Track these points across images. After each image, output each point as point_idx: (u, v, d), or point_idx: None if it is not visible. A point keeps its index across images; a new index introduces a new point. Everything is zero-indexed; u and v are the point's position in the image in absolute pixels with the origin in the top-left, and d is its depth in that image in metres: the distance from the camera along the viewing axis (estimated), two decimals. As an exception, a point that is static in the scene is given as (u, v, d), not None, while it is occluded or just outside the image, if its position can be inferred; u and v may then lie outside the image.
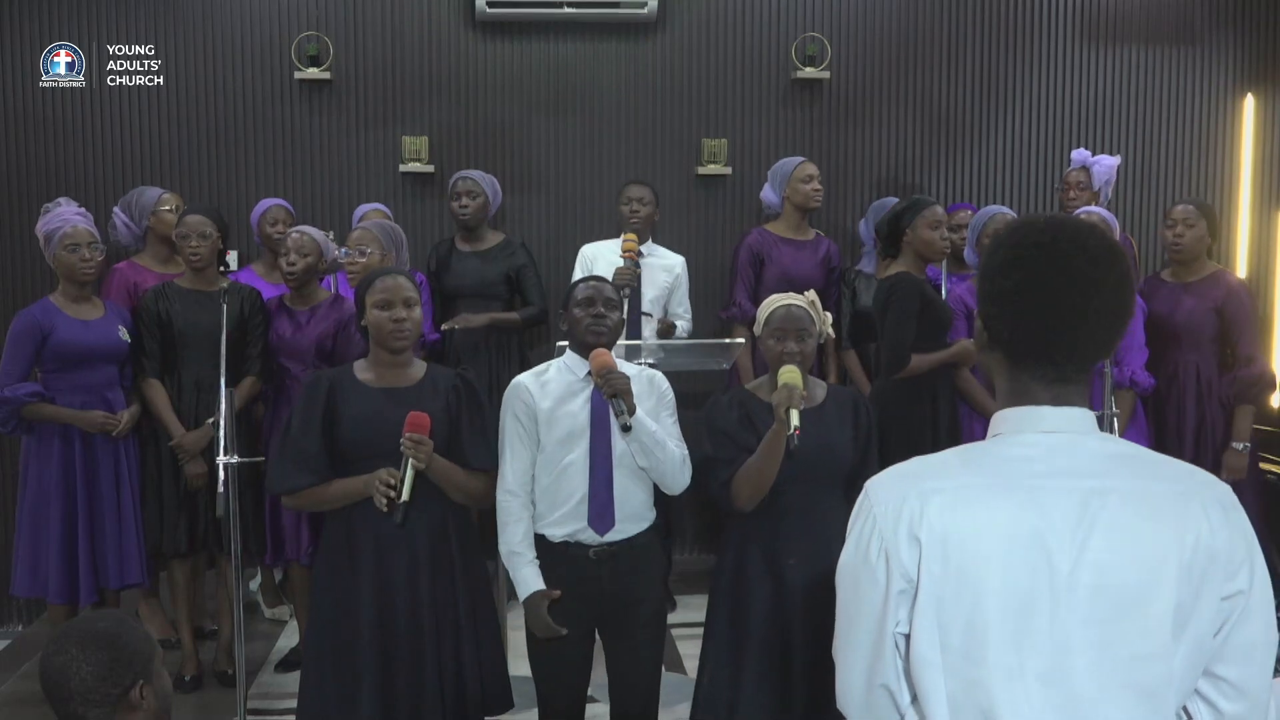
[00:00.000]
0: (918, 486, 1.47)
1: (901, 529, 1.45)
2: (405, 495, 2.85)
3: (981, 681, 1.42)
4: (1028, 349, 1.49)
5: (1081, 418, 1.50)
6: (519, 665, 3.19)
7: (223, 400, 3.46)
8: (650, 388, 3.12)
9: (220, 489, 3.37)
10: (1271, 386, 4.34)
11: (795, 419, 2.80)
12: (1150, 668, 1.43)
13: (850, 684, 1.54)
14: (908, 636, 1.47)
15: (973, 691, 1.42)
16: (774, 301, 3.07)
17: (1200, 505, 1.46)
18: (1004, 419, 1.53)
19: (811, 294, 3.11)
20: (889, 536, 1.46)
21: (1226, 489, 1.51)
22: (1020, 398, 1.51)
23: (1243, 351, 4.27)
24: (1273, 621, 1.48)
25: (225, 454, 3.40)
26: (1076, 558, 1.41)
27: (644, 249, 4.79)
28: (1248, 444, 4.25)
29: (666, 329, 4.75)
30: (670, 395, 3.15)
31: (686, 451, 3.09)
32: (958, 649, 1.43)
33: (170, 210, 4.59)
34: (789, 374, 2.88)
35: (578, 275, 4.84)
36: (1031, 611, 1.41)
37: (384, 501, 2.87)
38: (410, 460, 2.87)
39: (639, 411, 2.97)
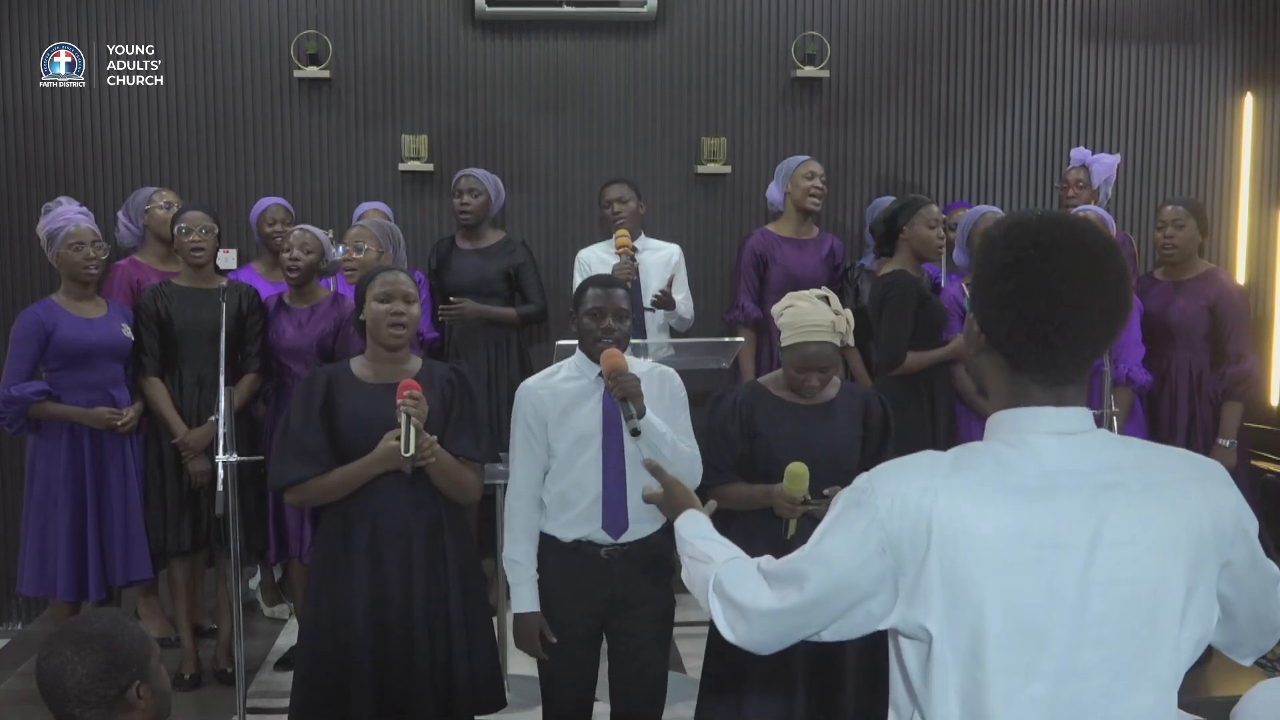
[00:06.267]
0: (925, 483, 1.44)
1: (907, 525, 1.42)
2: (411, 449, 2.85)
3: (986, 681, 1.41)
4: (1030, 352, 1.45)
5: (1081, 417, 1.48)
6: (518, 664, 3.19)
7: (222, 398, 3.47)
8: (662, 386, 3.08)
9: (220, 487, 3.37)
10: (1259, 384, 4.35)
11: (794, 528, 2.93)
12: (1161, 658, 1.44)
13: (771, 613, 1.54)
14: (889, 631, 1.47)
15: (979, 691, 1.41)
16: (796, 326, 3.00)
17: (1200, 489, 1.48)
18: (1003, 421, 1.50)
19: (836, 306, 3.04)
20: (893, 531, 1.43)
21: (1221, 468, 1.54)
22: (1019, 399, 1.48)
23: (1232, 349, 4.29)
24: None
25: (225, 452, 3.41)
26: (1088, 556, 1.41)
27: (637, 244, 4.78)
28: (1234, 440, 4.26)
29: (664, 300, 4.62)
30: (683, 393, 3.12)
31: (698, 450, 3.06)
32: (967, 648, 1.41)
33: (162, 207, 4.59)
34: (796, 481, 2.88)
35: (577, 280, 4.82)
36: (1043, 612, 1.41)
37: (398, 445, 2.88)
38: (411, 417, 2.86)
39: (649, 413, 2.93)
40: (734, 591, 1.59)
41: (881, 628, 1.49)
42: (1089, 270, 1.43)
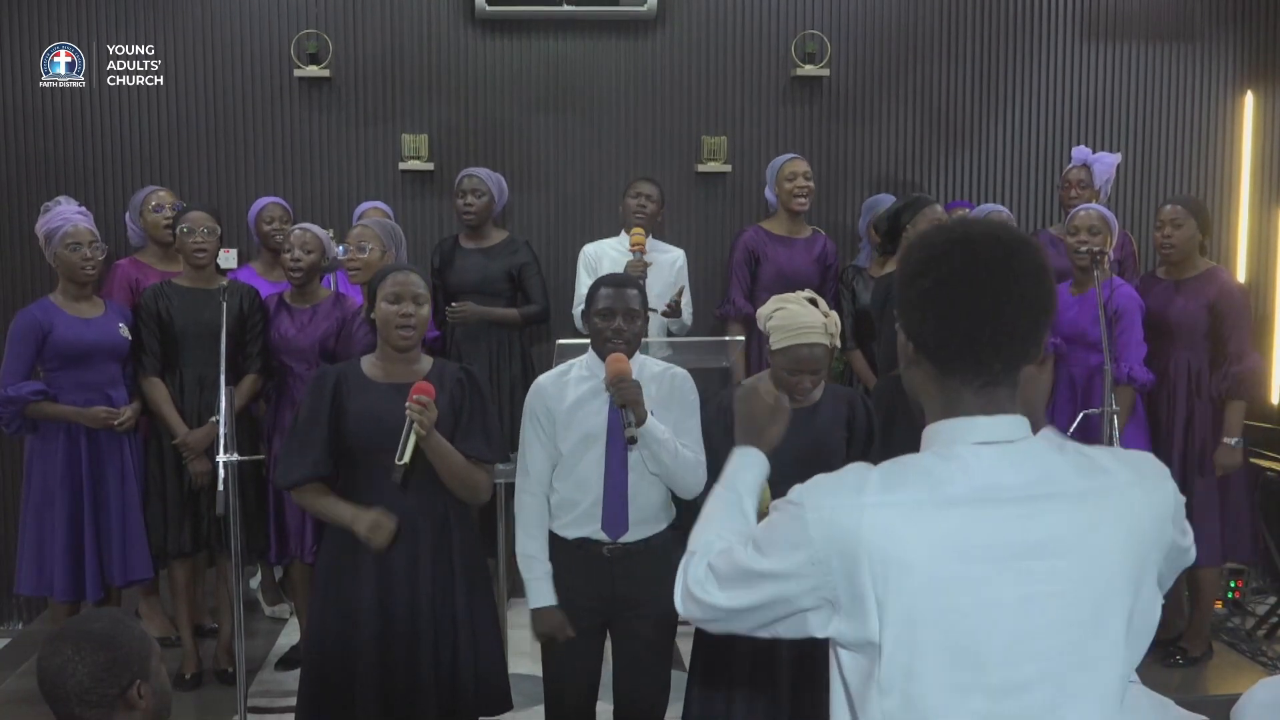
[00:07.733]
0: (853, 501, 1.42)
1: (835, 542, 1.41)
2: (405, 458, 2.85)
3: (925, 697, 1.38)
4: (954, 350, 1.44)
5: (1014, 425, 1.45)
6: (519, 663, 3.19)
7: (222, 398, 3.47)
8: (673, 389, 3.06)
9: (220, 487, 3.38)
10: (1262, 382, 4.36)
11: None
12: (1104, 667, 1.42)
13: (718, 610, 1.54)
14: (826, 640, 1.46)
15: (918, 706, 1.39)
16: (788, 328, 2.98)
17: (1141, 492, 1.47)
18: (936, 433, 1.48)
19: (824, 308, 3.04)
20: (821, 548, 1.41)
21: (1156, 464, 1.53)
22: (951, 408, 1.47)
23: (1233, 348, 4.29)
24: None
25: (225, 452, 3.41)
26: (1025, 569, 1.39)
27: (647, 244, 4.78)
28: (1240, 439, 4.26)
29: (674, 310, 4.63)
30: (693, 396, 3.09)
31: (703, 456, 3.04)
32: (904, 664, 1.39)
33: (154, 209, 4.58)
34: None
35: (582, 275, 4.83)
36: (980, 627, 1.39)
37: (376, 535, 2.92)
38: (414, 425, 2.85)
39: (650, 419, 2.91)
40: (693, 584, 1.57)
41: (819, 636, 1.47)
42: (1003, 260, 1.42)
